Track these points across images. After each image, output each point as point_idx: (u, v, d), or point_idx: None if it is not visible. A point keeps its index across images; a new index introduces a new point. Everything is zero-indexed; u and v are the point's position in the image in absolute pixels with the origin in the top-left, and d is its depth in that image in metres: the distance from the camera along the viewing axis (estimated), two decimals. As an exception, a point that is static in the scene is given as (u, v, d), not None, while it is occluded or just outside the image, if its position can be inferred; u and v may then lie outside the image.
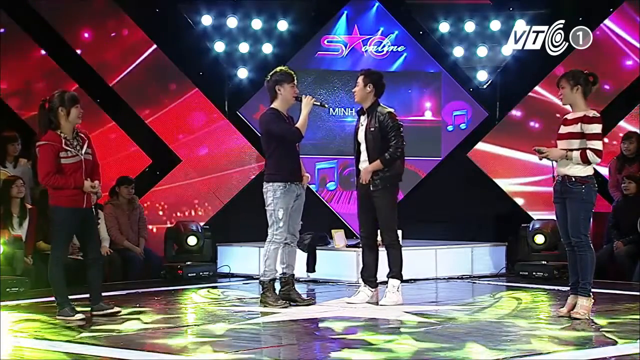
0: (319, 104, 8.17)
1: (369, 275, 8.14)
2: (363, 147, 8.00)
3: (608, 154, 9.87)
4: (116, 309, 7.37)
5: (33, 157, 10.10)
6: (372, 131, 7.92)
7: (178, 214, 11.70)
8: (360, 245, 8.32)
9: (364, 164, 8.01)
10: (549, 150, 7.02)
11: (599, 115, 7.00)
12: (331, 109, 11.88)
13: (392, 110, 8.09)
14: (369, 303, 8.02)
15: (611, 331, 6.44)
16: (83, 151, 7.25)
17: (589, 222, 7.03)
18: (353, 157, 8.24)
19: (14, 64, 11.00)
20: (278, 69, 8.10)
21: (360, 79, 8.06)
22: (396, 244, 8.02)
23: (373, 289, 8.12)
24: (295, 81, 8.05)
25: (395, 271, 7.99)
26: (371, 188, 7.91)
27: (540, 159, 7.16)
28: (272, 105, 8.03)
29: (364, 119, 8.06)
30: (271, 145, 7.99)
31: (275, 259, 7.94)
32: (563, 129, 7.06)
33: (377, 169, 7.91)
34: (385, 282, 8.04)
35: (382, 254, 8.11)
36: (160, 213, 11.69)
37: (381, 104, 8.09)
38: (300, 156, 8.13)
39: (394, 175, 7.98)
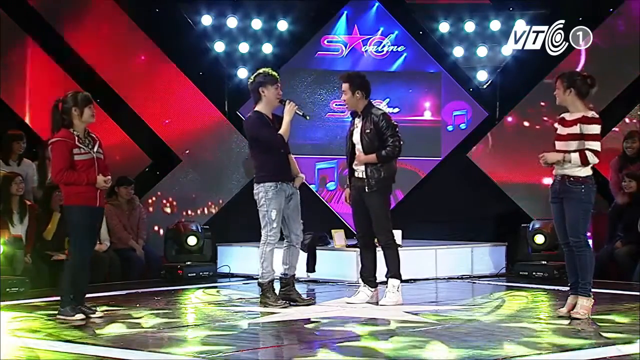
0: (301, 113, 8.00)
1: (368, 275, 8.13)
2: (359, 148, 7.95)
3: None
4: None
5: (39, 158, 10.18)
6: (368, 133, 7.87)
7: (178, 214, 11.69)
8: (358, 245, 8.31)
9: (359, 165, 7.97)
10: (545, 155, 7.00)
11: (597, 116, 7.00)
12: (331, 109, 11.89)
13: (385, 111, 8.07)
14: (368, 303, 8.01)
15: (611, 331, 6.44)
16: (95, 150, 7.28)
17: (587, 222, 7.04)
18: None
19: (13, 64, 11.01)
20: (261, 70, 8.01)
21: (345, 87, 7.94)
22: (392, 244, 8.00)
23: (373, 289, 8.12)
24: (279, 83, 7.96)
25: (394, 271, 7.98)
26: (366, 190, 7.89)
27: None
28: (255, 108, 7.98)
29: (358, 121, 8.01)
30: (256, 148, 7.97)
31: (271, 261, 7.91)
32: (562, 130, 7.05)
33: (371, 162, 7.83)
34: (385, 282, 8.04)
35: (380, 253, 8.11)
36: (160, 213, 11.68)
37: (374, 105, 8.08)
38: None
39: (389, 177, 7.94)
